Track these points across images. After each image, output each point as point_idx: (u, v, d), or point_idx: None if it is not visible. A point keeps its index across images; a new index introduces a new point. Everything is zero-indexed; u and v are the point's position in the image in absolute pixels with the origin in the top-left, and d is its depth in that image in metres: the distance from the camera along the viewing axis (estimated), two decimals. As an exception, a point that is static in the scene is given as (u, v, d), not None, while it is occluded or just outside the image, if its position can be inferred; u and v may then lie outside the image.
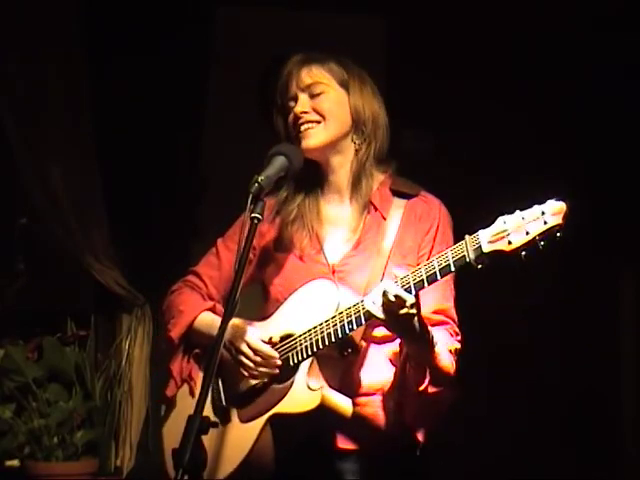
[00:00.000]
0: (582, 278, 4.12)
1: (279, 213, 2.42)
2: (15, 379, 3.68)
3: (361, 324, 2.16)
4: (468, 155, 4.02)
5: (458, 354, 2.26)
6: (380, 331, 2.28)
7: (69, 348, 3.79)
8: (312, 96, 2.35)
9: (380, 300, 2.08)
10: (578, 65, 4.09)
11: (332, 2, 4.18)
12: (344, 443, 2.27)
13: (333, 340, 2.19)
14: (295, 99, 2.36)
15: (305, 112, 2.33)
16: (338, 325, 2.18)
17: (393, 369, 2.29)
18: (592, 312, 4.13)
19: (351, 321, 2.16)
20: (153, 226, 3.95)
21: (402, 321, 2.08)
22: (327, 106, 2.34)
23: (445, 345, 2.22)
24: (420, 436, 2.25)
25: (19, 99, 3.77)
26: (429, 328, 2.15)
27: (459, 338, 2.30)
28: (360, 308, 2.16)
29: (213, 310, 2.41)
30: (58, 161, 3.81)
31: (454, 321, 2.32)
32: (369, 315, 2.12)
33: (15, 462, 3.67)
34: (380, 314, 2.09)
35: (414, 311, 2.07)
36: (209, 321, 2.38)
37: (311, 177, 2.39)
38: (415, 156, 4.03)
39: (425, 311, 2.19)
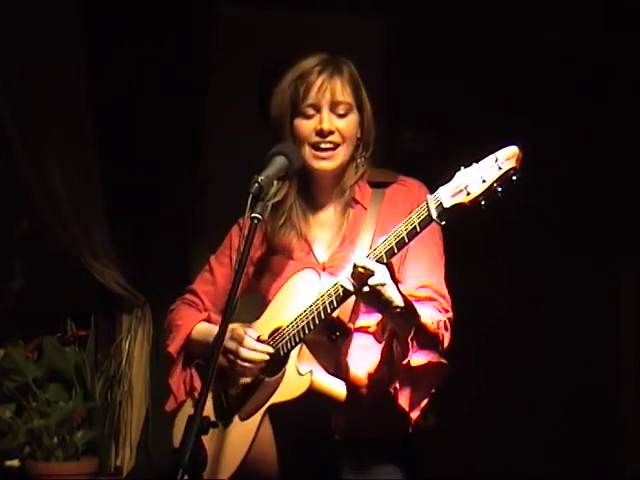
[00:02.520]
0: (582, 277, 4.12)
1: (268, 221, 2.43)
2: (15, 379, 3.68)
3: (341, 302, 2.17)
4: (468, 155, 4.02)
5: (448, 328, 2.24)
6: (374, 320, 2.29)
7: (69, 348, 3.79)
8: (337, 115, 2.34)
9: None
10: (580, 65, 4.10)
11: (332, 2, 4.19)
12: (346, 433, 2.27)
13: (317, 323, 2.20)
14: (317, 109, 2.34)
15: (332, 132, 2.33)
16: (320, 307, 2.20)
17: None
18: (593, 312, 4.13)
19: (332, 301, 2.17)
20: (153, 226, 3.95)
21: (375, 292, 2.08)
22: (350, 131, 2.35)
23: (430, 318, 2.21)
24: (412, 414, 2.23)
25: (19, 99, 3.78)
26: (410, 300, 2.15)
27: (449, 315, 2.28)
28: (338, 286, 2.17)
29: (208, 320, 2.45)
30: (58, 161, 3.81)
31: (443, 297, 2.30)
32: (345, 291, 2.13)
33: (15, 462, 3.68)
34: (352, 288, 2.10)
35: (385, 280, 2.08)
36: (205, 330, 2.41)
37: (300, 181, 2.40)
38: (415, 156, 4.04)
39: (410, 287, 2.22)
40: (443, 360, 2.20)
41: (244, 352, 2.28)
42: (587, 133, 4.10)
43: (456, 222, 2.04)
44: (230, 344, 2.28)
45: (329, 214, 2.42)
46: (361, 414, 2.27)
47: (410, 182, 2.40)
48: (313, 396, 2.18)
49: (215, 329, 2.33)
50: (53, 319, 3.88)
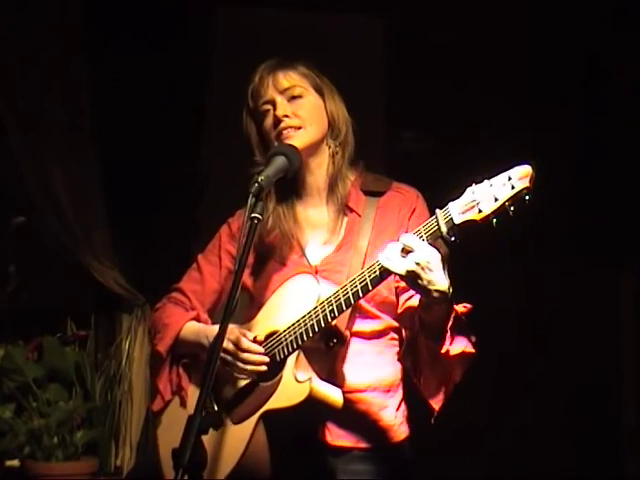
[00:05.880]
0: (582, 277, 4.13)
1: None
2: (15, 379, 3.67)
3: (342, 311, 2.17)
4: (468, 156, 4.03)
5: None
6: (367, 326, 2.31)
7: (69, 348, 3.79)
8: (290, 99, 2.37)
9: (395, 256, 2.06)
10: (581, 65, 4.10)
11: (332, 2, 4.19)
12: (338, 439, 2.28)
13: (317, 330, 2.20)
14: (272, 103, 2.37)
15: (287, 116, 2.35)
16: (320, 315, 2.19)
17: (383, 366, 2.32)
18: (592, 312, 4.14)
19: (332, 309, 2.17)
20: (153, 226, 3.95)
21: (415, 273, 2.05)
22: (307, 112, 2.36)
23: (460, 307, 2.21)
24: (436, 404, 2.23)
25: (20, 100, 3.77)
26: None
27: (470, 306, 2.27)
28: (340, 295, 2.17)
29: (197, 319, 2.44)
30: (58, 162, 3.81)
31: None
32: (385, 272, 2.10)
33: (15, 462, 3.67)
34: (391, 266, 2.07)
35: (428, 260, 2.04)
36: (194, 329, 2.40)
37: (286, 182, 2.39)
38: (415, 157, 4.05)
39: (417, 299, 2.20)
40: (474, 350, 2.19)
41: (244, 354, 2.27)
42: (587, 134, 4.10)
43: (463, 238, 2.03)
44: (228, 345, 2.27)
45: (321, 214, 2.41)
46: (353, 420, 2.27)
47: (405, 189, 2.40)
48: (310, 403, 2.18)
49: (205, 328, 2.35)
50: (53, 319, 3.87)
